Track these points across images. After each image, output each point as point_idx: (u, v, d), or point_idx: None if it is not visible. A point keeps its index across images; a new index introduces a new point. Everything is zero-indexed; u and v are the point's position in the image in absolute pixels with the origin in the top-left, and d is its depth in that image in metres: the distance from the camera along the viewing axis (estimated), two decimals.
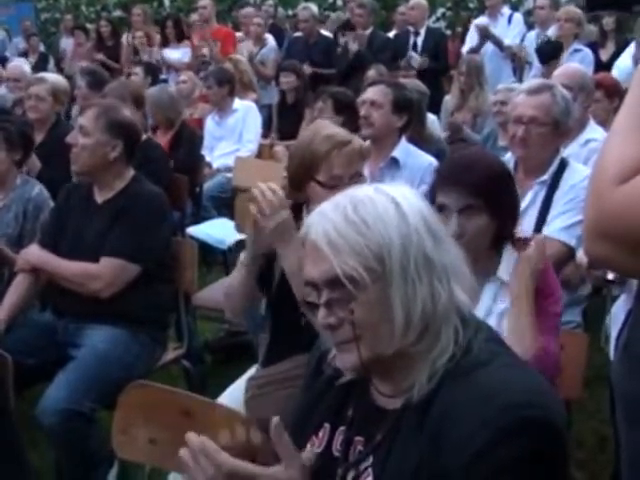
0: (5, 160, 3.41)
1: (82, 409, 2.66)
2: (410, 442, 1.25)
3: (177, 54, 8.30)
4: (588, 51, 6.40)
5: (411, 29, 7.60)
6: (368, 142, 3.36)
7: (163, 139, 5.27)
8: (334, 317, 1.28)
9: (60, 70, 8.92)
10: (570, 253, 2.80)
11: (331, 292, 1.28)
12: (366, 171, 2.93)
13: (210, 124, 6.12)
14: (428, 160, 3.62)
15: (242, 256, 2.37)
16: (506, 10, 7.71)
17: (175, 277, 3.20)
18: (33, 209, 3.36)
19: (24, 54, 10.07)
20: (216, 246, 4.54)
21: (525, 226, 2.71)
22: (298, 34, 8.35)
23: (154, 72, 7.26)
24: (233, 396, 2.47)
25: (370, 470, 1.31)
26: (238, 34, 8.69)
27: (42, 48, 10.92)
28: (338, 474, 1.35)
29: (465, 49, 7.49)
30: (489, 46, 7.24)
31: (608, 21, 6.74)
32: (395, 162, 3.60)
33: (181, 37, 8.47)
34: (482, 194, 2.09)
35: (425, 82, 5.32)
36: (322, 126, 2.46)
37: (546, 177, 2.91)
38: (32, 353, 2.86)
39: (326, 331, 1.31)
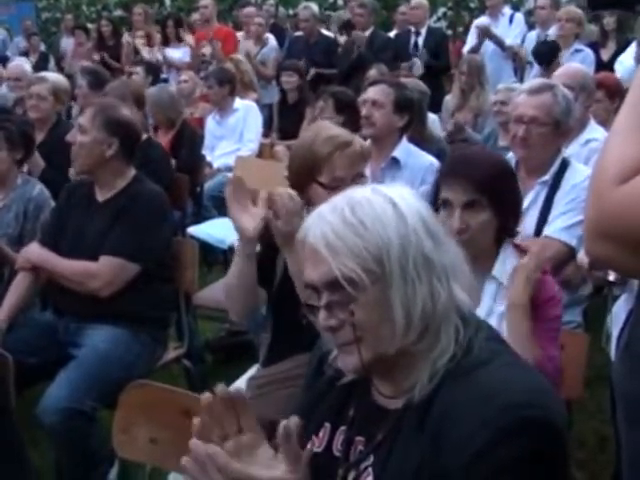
0: (6, 160, 3.40)
1: (83, 408, 2.66)
2: (411, 442, 1.25)
3: (178, 53, 8.30)
4: (589, 51, 6.39)
5: (412, 29, 7.60)
6: (368, 142, 3.36)
7: (164, 139, 5.28)
8: (334, 319, 1.28)
9: (60, 70, 8.90)
10: (571, 253, 2.80)
11: (331, 294, 1.28)
12: (367, 171, 2.92)
13: (211, 124, 6.11)
14: (429, 160, 3.61)
15: (236, 245, 2.34)
16: (507, 10, 7.70)
17: (176, 277, 3.20)
18: (34, 209, 3.36)
19: (25, 53, 10.06)
20: (217, 246, 4.53)
21: (526, 226, 2.72)
22: (299, 34, 8.35)
23: (155, 72, 7.26)
24: None
25: (371, 470, 1.31)
26: (239, 34, 8.69)
27: (43, 48, 10.91)
28: (339, 474, 1.35)
29: (466, 49, 7.48)
30: (490, 46, 7.22)
31: (609, 21, 6.73)
32: (396, 162, 3.59)
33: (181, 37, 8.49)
34: (486, 190, 2.10)
35: (426, 82, 5.31)
36: (323, 127, 2.45)
37: (547, 177, 2.90)
38: (33, 352, 2.87)
39: (327, 333, 1.31)
